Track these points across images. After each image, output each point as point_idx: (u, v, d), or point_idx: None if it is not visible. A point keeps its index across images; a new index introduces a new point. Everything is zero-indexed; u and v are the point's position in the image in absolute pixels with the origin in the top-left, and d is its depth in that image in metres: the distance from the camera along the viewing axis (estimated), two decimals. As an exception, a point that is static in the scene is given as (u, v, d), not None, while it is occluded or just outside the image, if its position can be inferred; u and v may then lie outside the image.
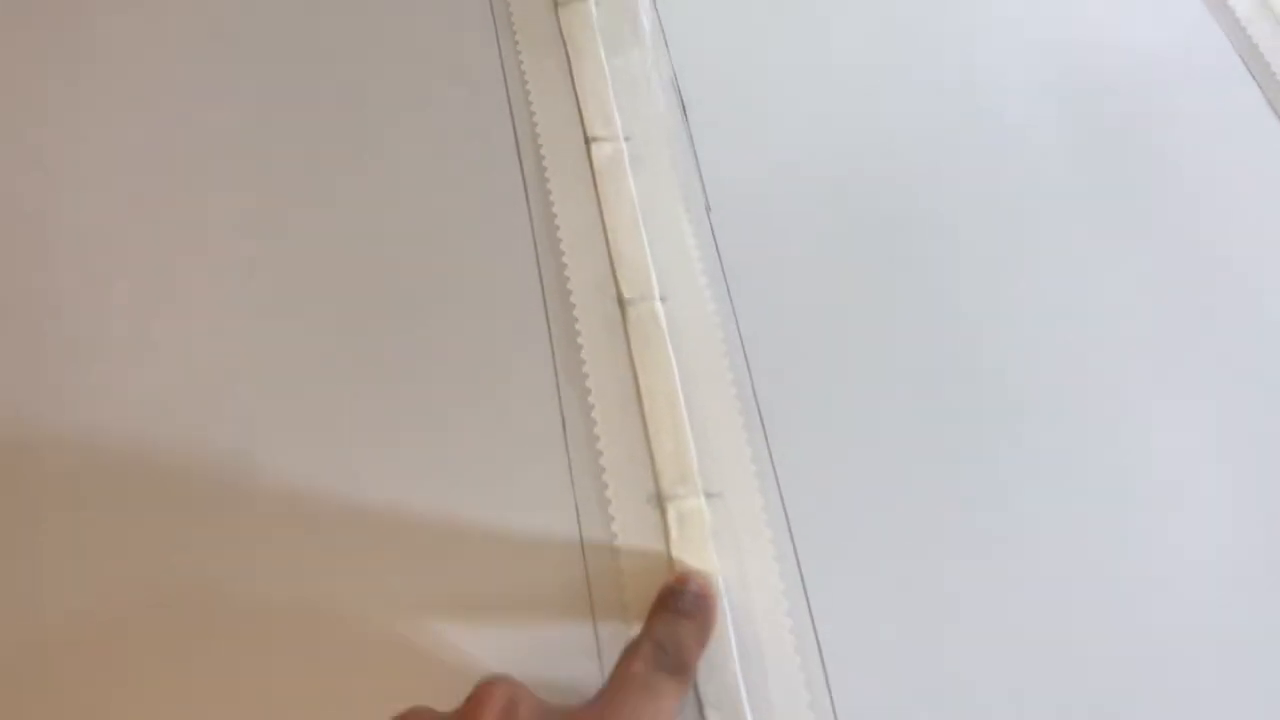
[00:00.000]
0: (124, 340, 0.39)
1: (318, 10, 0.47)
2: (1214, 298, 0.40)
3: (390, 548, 0.35)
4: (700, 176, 0.42)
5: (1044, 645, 0.33)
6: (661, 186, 0.42)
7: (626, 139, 0.43)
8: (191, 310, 0.40)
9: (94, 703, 0.33)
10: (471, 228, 0.41)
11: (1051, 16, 0.47)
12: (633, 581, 0.34)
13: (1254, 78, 0.45)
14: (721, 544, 0.34)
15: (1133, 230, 0.41)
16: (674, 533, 0.34)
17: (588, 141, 0.42)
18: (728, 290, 0.39)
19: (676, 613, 0.32)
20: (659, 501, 0.35)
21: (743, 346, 0.38)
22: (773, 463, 0.36)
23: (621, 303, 0.39)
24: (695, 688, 0.32)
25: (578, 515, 0.35)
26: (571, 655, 0.32)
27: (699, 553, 0.34)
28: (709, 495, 0.35)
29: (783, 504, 0.35)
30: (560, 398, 0.37)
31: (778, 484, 0.36)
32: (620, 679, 0.29)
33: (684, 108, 0.44)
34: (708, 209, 0.41)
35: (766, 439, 0.36)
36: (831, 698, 0.32)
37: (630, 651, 0.30)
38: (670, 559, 0.34)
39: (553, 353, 0.38)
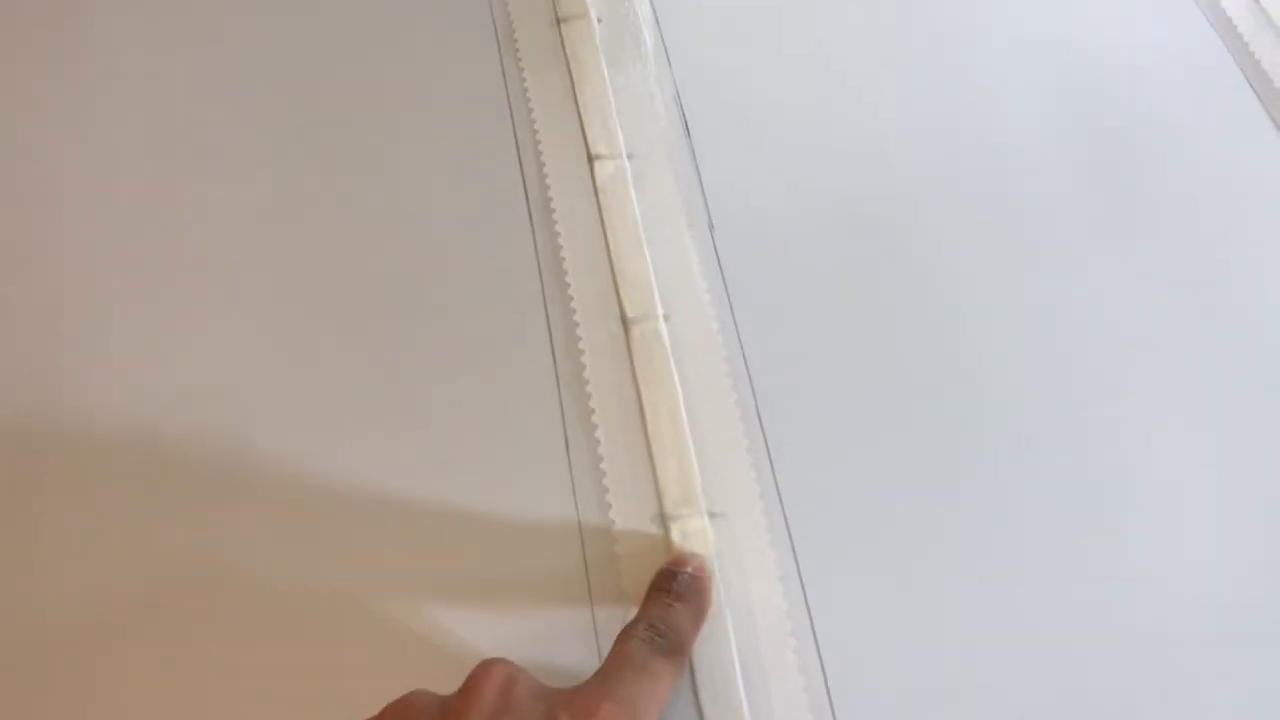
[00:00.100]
0: (126, 335, 0.39)
1: (320, 29, 0.47)
2: (1213, 301, 0.40)
3: (390, 537, 0.35)
4: (703, 194, 0.42)
5: (1045, 650, 0.33)
6: (664, 204, 0.42)
7: (629, 157, 0.43)
8: (193, 307, 0.40)
9: (96, 692, 0.33)
10: (474, 246, 0.41)
11: (1049, 28, 0.47)
12: (630, 565, 0.34)
13: (1251, 87, 0.45)
14: (725, 565, 0.34)
15: (1133, 238, 0.41)
16: (678, 553, 0.34)
17: (590, 159, 0.43)
18: (731, 308, 0.40)
19: (672, 595, 0.32)
20: (663, 521, 0.35)
21: (746, 365, 0.38)
22: (776, 482, 0.36)
23: (625, 321, 0.39)
24: (698, 703, 0.32)
25: (581, 537, 0.35)
26: (569, 639, 0.33)
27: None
28: (713, 515, 0.35)
29: (786, 524, 0.35)
30: (564, 417, 0.37)
31: (781, 504, 0.36)
32: (616, 661, 0.30)
33: (686, 125, 0.44)
34: (710, 227, 0.41)
35: (770, 458, 0.36)
36: (835, 718, 0.32)
37: (626, 634, 0.31)
38: (667, 542, 0.34)
39: (556, 371, 0.38)
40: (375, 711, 0.28)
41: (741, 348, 0.39)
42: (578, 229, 0.41)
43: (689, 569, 0.33)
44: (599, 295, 0.39)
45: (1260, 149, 0.44)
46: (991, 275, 0.40)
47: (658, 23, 0.47)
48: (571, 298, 0.39)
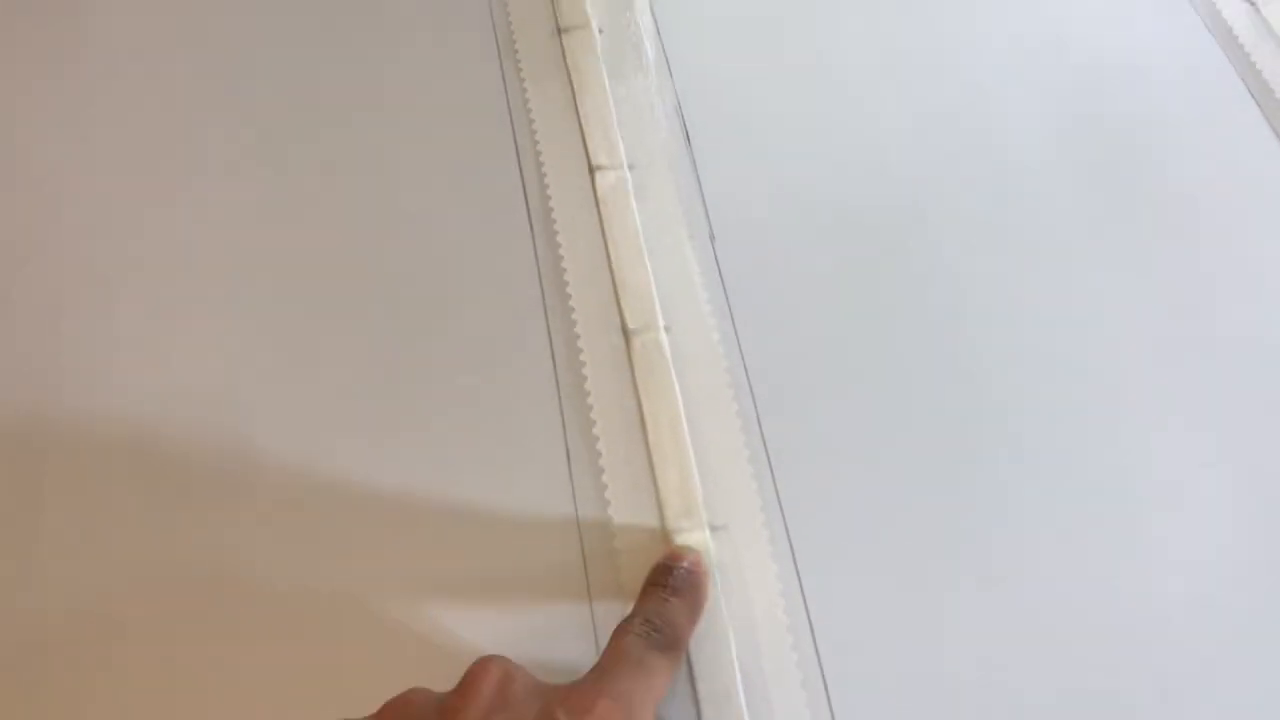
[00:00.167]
0: (126, 335, 0.39)
1: (320, 36, 0.47)
2: (1213, 302, 0.40)
3: (390, 537, 0.35)
4: (704, 205, 0.42)
5: (1045, 650, 0.33)
6: (665, 215, 0.42)
7: (630, 167, 0.43)
8: (193, 307, 0.40)
9: (96, 692, 0.33)
10: (475, 255, 0.41)
11: (1049, 39, 0.47)
12: (628, 560, 0.34)
13: (1253, 97, 0.45)
14: (726, 578, 0.34)
15: (1132, 241, 0.41)
16: (679, 566, 0.34)
17: (591, 170, 0.42)
18: (732, 319, 0.39)
19: (668, 590, 0.32)
20: (664, 534, 0.35)
21: (747, 376, 0.38)
22: (778, 494, 0.36)
23: (626, 333, 0.39)
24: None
25: (582, 550, 0.35)
26: (568, 634, 0.33)
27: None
28: (714, 528, 0.35)
29: (788, 537, 0.35)
30: (565, 428, 0.37)
31: (783, 515, 0.35)
32: (612, 657, 0.30)
33: (688, 136, 0.44)
34: (712, 237, 0.41)
35: (771, 470, 0.36)
36: (837, 734, 0.32)
37: (622, 629, 0.31)
38: (665, 536, 0.34)
39: (557, 381, 0.38)
40: (374, 710, 0.28)
41: (743, 359, 0.38)
42: (579, 239, 0.41)
43: (685, 563, 0.33)
44: (600, 306, 0.39)
45: (1258, 148, 0.44)
46: (992, 283, 0.40)
47: (659, 33, 0.47)
48: (572, 308, 0.39)
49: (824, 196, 0.42)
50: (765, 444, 0.37)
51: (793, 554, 0.35)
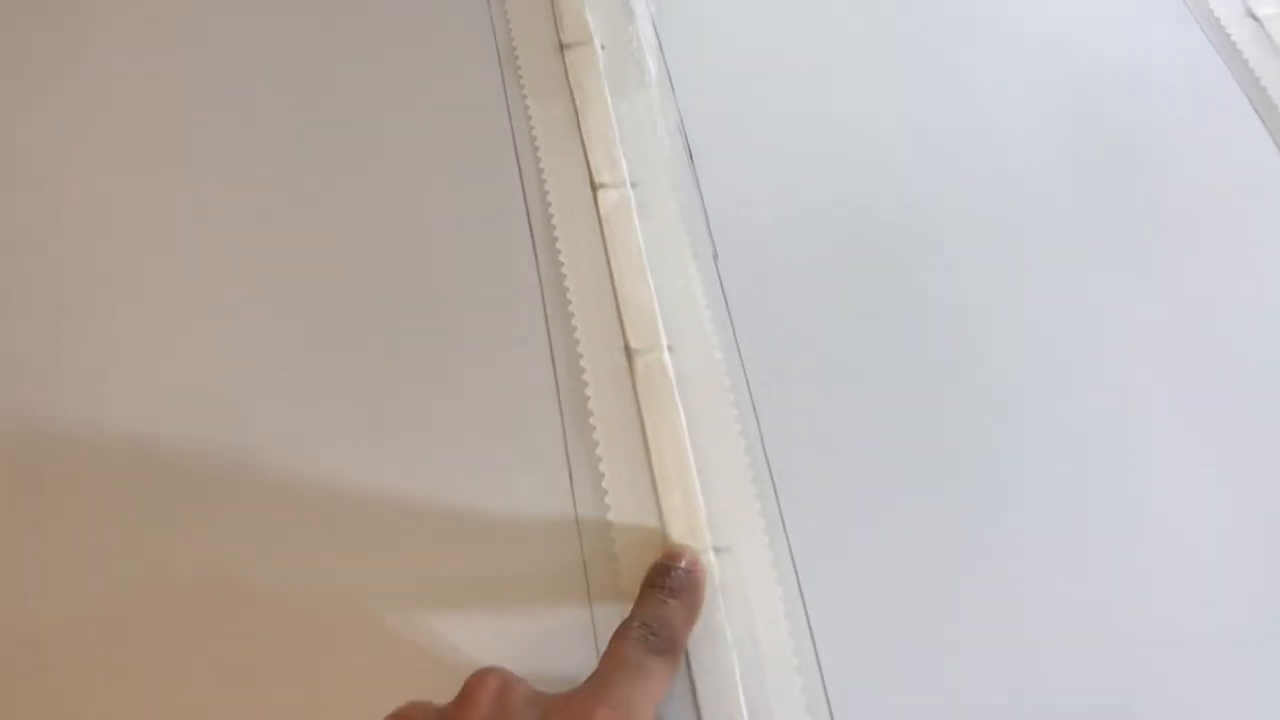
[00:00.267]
0: (125, 336, 0.40)
1: (321, 52, 0.47)
2: (1214, 303, 0.40)
3: (390, 541, 0.35)
4: (707, 223, 0.42)
5: (1045, 651, 0.33)
6: (668, 233, 0.41)
7: (633, 185, 0.43)
8: (193, 308, 0.40)
9: (96, 693, 0.33)
10: (478, 276, 0.41)
11: (1049, 40, 0.47)
12: (627, 559, 0.34)
13: (1255, 109, 0.45)
14: (730, 600, 0.34)
15: (1133, 242, 0.41)
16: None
17: (594, 188, 0.42)
18: (735, 338, 0.39)
19: (666, 591, 0.32)
20: (663, 538, 0.35)
21: (750, 396, 0.38)
22: (782, 515, 0.36)
23: (629, 353, 0.39)
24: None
25: (579, 537, 0.35)
26: (568, 638, 0.33)
27: (707, 608, 0.34)
28: (717, 550, 0.35)
29: (792, 558, 0.35)
30: (567, 450, 0.37)
31: (787, 538, 0.35)
32: (611, 663, 0.30)
33: (690, 153, 0.44)
34: (715, 256, 0.41)
35: (775, 491, 0.36)
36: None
37: (621, 634, 0.31)
38: (664, 534, 0.35)
39: (560, 404, 0.38)
40: None
41: (746, 379, 0.38)
42: (581, 258, 0.41)
43: (682, 564, 0.33)
44: (602, 325, 0.39)
45: (1258, 148, 0.44)
46: (999, 300, 0.40)
47: (661, 50, 0.47)
48: (575, 327, 0.39)
49: (828, 216, 0.42)
50: (769, 464, 0.37)
51: (796, 575, 0.35)
